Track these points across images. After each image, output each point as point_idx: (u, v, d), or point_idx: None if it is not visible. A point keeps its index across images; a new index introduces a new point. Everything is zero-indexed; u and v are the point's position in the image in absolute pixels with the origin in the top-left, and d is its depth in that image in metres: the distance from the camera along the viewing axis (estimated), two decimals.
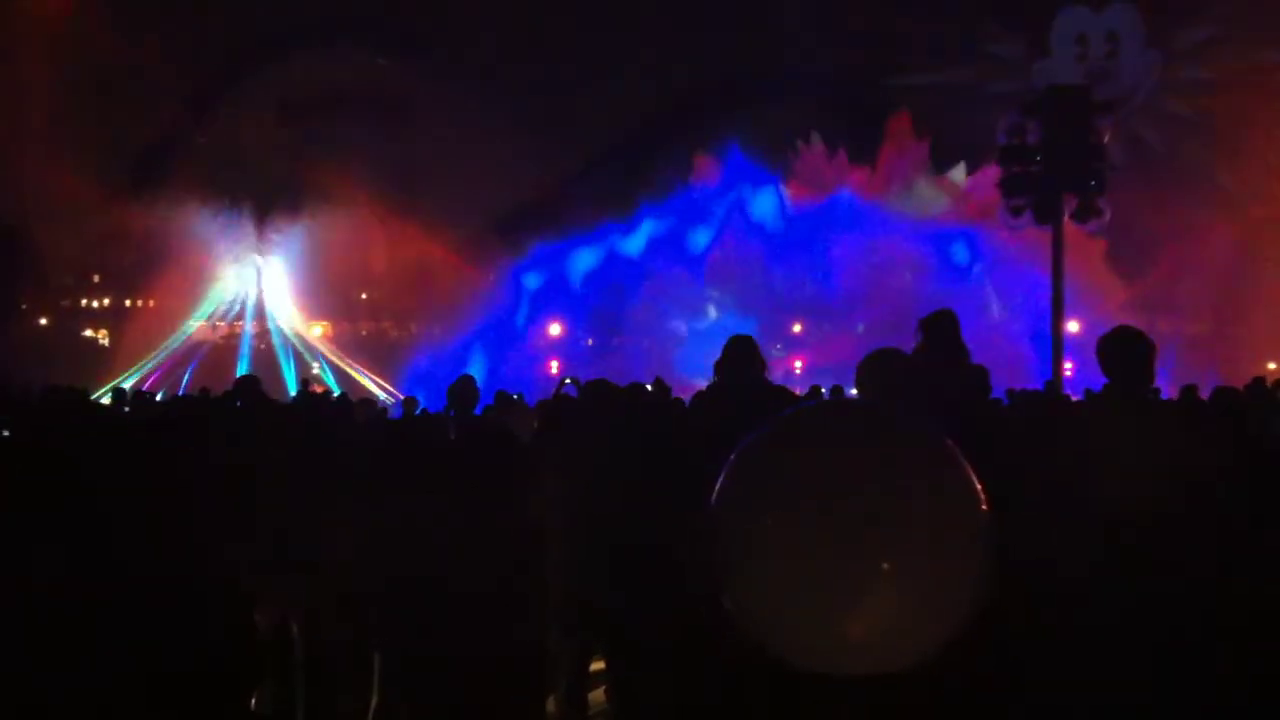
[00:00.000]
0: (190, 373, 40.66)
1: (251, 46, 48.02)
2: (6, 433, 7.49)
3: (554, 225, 41.01)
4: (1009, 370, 25.73)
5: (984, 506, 2.77)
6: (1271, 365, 35.28)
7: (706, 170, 41.84)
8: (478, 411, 9.32)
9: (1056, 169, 21.70)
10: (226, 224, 43.92)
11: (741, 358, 5.90)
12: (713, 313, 39.76)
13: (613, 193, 41.62)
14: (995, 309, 36.63)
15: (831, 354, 37.84)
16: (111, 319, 52.37)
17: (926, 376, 4.95)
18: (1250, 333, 35.72)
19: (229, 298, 45.00)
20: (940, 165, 41.11)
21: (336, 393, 25.13)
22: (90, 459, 4.37)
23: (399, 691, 5.25)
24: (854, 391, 4.96)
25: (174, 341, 43.19)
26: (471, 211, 43.07)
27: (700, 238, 41.15)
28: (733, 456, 2.88)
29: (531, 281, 41.48)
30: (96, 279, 54.53)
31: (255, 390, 9.21)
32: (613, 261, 41.09)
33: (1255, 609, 4.01)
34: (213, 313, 45.96)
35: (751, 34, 47.80)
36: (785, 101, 43.48)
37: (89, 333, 53.39)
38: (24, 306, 51.86)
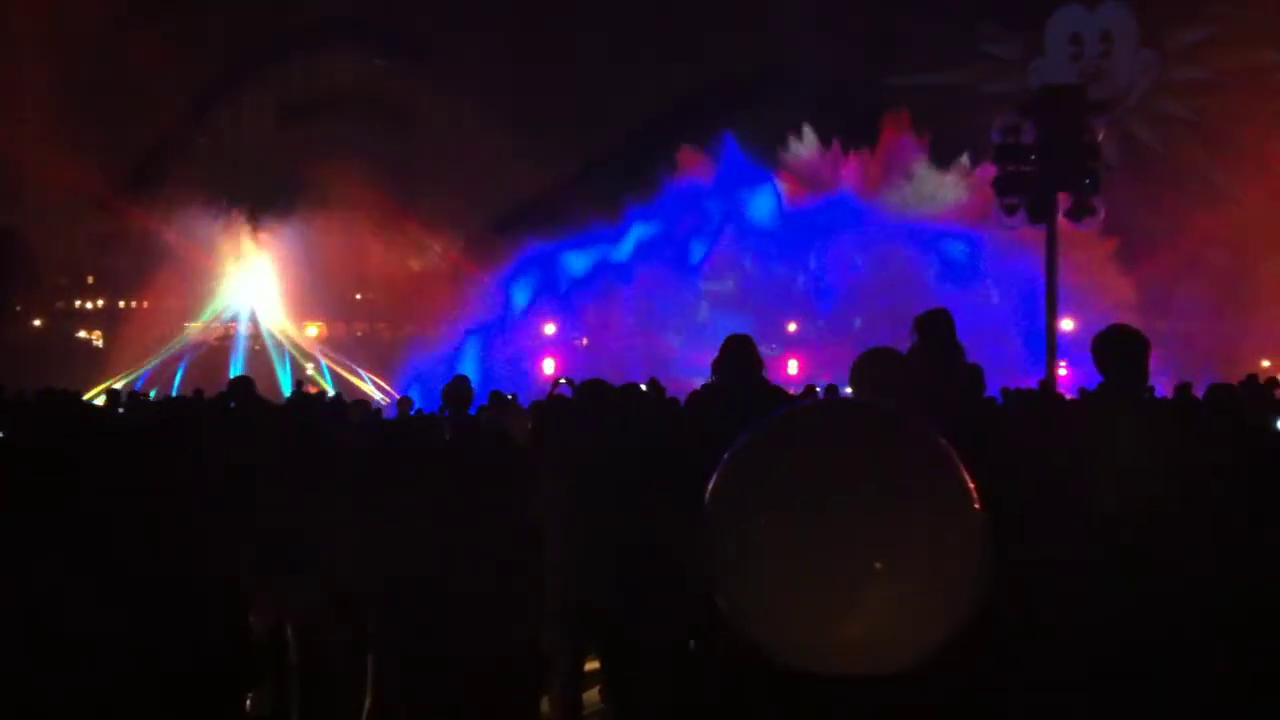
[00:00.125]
0: (181, 373, 40.62)
1: (247, 46, 47.99)
2: (1, 434, 7.49)
3: (548, 225, 40.99)
4: (1011, 369, 25.78)
5: (978, 506, 2.77)
6: (1266, 363, 35.34)
7: (692, 163, 41.69)
8: (472, 412, 9.32)
9: (1051, 168, 21.72)
10: (221, 225, 43.85)
11: (739, 357, 5.89)
12: (706, 312, 39.72)
13: (608, 192, 41.62)
14: (995, 300, 36.56)
15: (827, 353, 37.88)
16: (106, 320, 52.31)
17: (921, 376, 4.94)
18: (1246, 331, 35.78)
19: (223, 299, 44.91)
20: (938, 163, 41.06)
21: (331, 393, 25.17)
22: (87, 460, 4.35)
23: (395, 692, 5.25)
24: (849, 391, 4.96)
25: (174, 345, 43.14)
26: (467, 212, 43.08)
27: (694, 236, 41.11)
28: (726, 456, 2.87)
29: (526, 282, 41.44)
30: (91, 280, 54.47)
31: (249, 392, 9.20)
32: (606, 261, 41.05)
33: (1253, 607, 4.01)
34: (207, 314, 45.89)
35: (745, 34, 47.84)
36: (780, 102, 43.49)
37: (83, 334, 53.33)
38: (18, 308, 51.81)
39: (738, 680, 3.99)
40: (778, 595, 2.67)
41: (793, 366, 37.18)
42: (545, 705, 6.16)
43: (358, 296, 47.44)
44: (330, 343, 45.36)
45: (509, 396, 16.16)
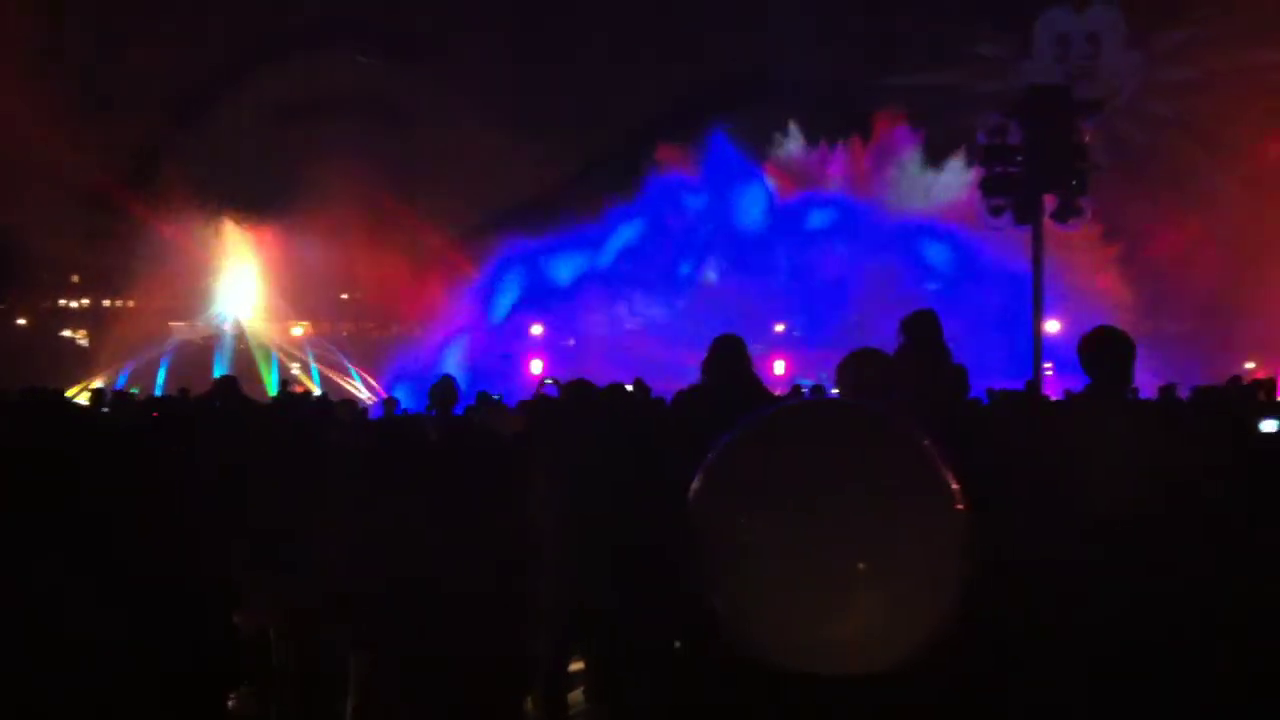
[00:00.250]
0: (164, 372, 40.50)
1: (234, 45, 47.89)
2: None
3: (536, 225, 40.99)
4: (1000, 370, 25.83)
5: (961, 506, 2.76)
6: (1250, 364, 35.48)
7: (672, 159, 41.62)
8: (458, 412, 9.30)
9: (1037, 169, 21.75)
10: (208, 224, 43.72)
11: (728, 357, 5.89)
12: (695, 311, 39.71)
13: (596, 192, 41.65)
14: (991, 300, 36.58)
15: (814, 354, 37.92)
16: (91, 319, 52.14)
17: (907, 376, 4.94)
18: (1231, 333, 35.92)
19: (209, 298, 44.78)
20: (930, 162, 41.10)
21: (317, 393, 25.09)
22: (77, 460, 4.33)
23: (382, 692, 5.22)
24: (835, 391, 4.96)
25: (154, 343, 42.99)
26: (454, 212, 43.04)
27: (681, 234, 41.11)
28: (709, 456, 2.87)
29: (513, 282, 41.42)
30: (75, 279, 54.29)
31: (234, 391, 9.16)
32: (593, 260, 41.07)
33: (1242, 606, 4.02)
34: (193, 313, 45.77)
35: (738, 35, 47.92)
36: (771, 102, 43.56)
37: (68, 333, 53.14)
38: (2, 307, 51.63)
39: (726, 681, 3.98)
40: (761, 595, 2.66)
41: (779, 367, 37.21)
42: (529, 705, 6.16)
43: (344, 296, 47.35)
44: (316, 342, 45.23)
45: (495, 397, 16.15)
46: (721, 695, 3.77)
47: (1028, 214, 22.17)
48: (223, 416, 8.49)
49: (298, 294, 44.12)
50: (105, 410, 13.70)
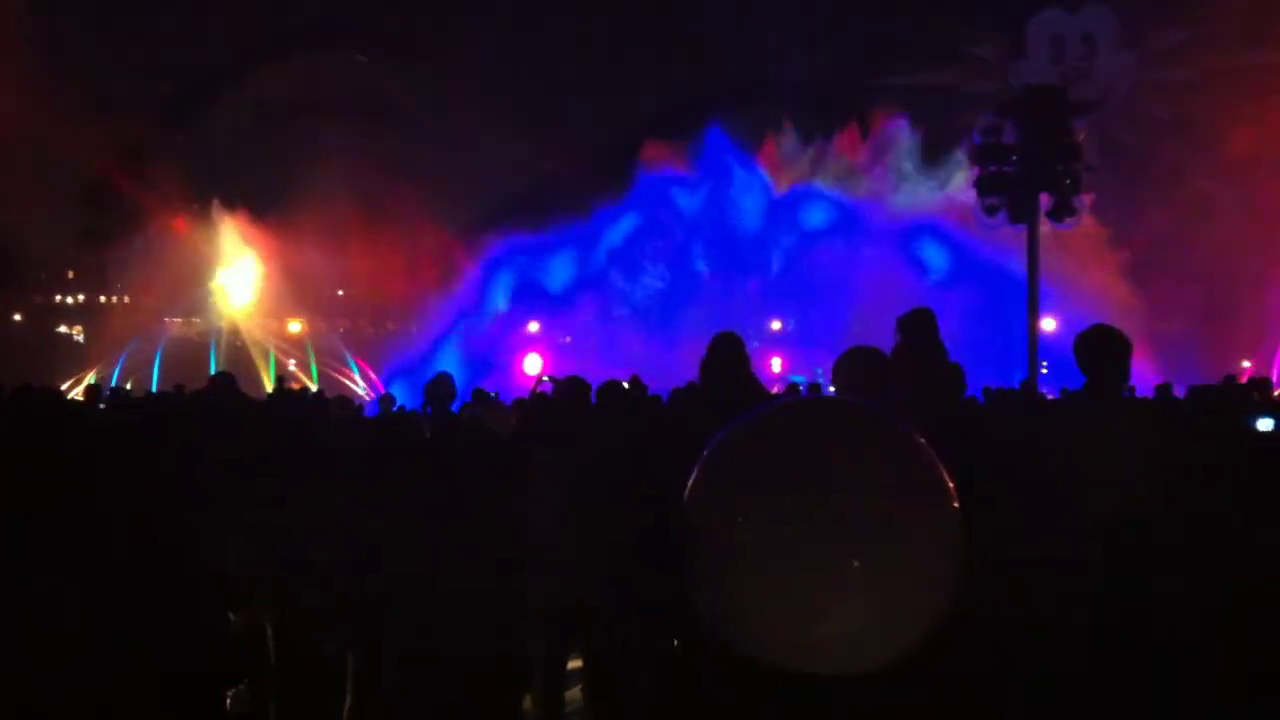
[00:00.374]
0: (158, 368, 40.45)
1: (233, 45, 47.81)
2: None
3: (532, 223, 40.97)
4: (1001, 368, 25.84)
5: (956, 505, 2.77)
6: (1246, 364, 35.51)
7: (658, 156, 41.46)
8: (454, 409, 9.30)
9: (1032, 169, 21.76)
10: (204, 221, 43.64)
11: (726, 355, 5.89)
12: (692, 308, 39.71)
13: (592, 189, 41.61)
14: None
15: (811, 351, 37.92)
16: (87, 316, 52.08)
17: (903, 375, 4.95)
18: (1227, 332, 35.96)
19: (205, 294, 44.67)
20: (924, 162, 41.08)
21: (314, 389, 25.06)
22: (75, 458, 4.34)
23: (378, 692, 5.23)
24: (831, 389, 4.97)
25: (143, 338, 42.92)
26: (451, 209, 43.02)
27: (674, 230, 41.08)
28: (704, 453, 2.87)
29: (509, 279, 41.38)
30: (71, 275, 54.22)
31: (230, 388, 9.14)
32: (590, 258, 41.03)
33: (1237, 605, 4.03)
34: (188, 309, 45.70)
35: (732, 35, 47.94)
36: (766, 101, 43.54)
37: (64, 329, 53.07)
38: None
39: (723, 679, 3.99)
40: (756, 593, 2.67)
41: (776, 364, 37.21)
42: (528, 703, 6.16)
43: (340, 293, 47.30)
44: (312, 339, 45.17)
45: (491, 394, 16.15)
46: (718, 694, 3.77)
47: (1022, 213, 22.18)
48: (219, 413, 8.47)
49: (294, 291, 44.04)
50: (101, 407, 13.69)
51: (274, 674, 5.95)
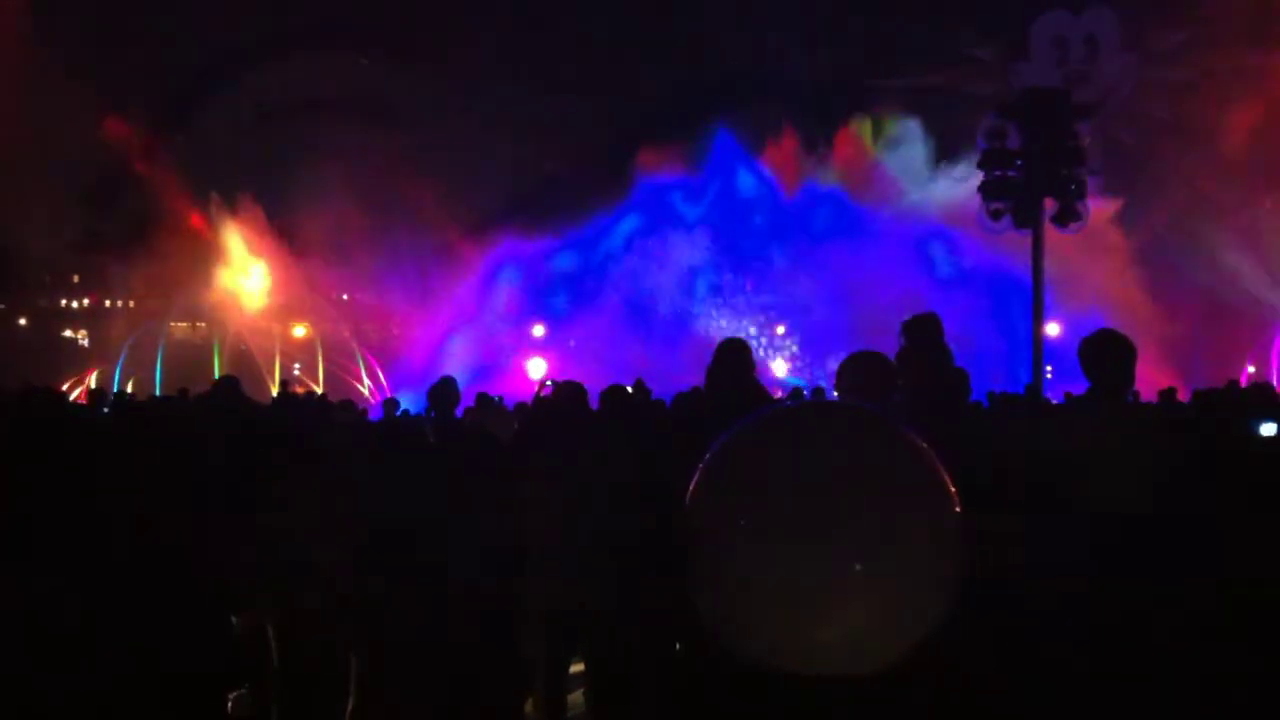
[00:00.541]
0: (159, 372, 40.49)
1: (236, 46, 47.85)
2: None
3: (536, 225, 40.98)
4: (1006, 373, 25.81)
5: (957, 508, 2.76)
6: (1251, 368, 35.47)
7: (654, 163, 41.37)
8: (458, 414, 9.31)
9: (1036, 173, 21.73)
10: (206, 224, 43.67)
11: (732, 361, 5.90)
12: (696, 312, 39.72)
13: (596, 192, 41.60)
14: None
15: (815, 355, 37.93)
16: (92, 319, 52.15)
17: (908, 379, 4.95)
18: (1231, 336, 35.94)
19: (210, 298, 44.66)
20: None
21: (318, 394, 25.09)
22: (79, 458, 4.34)
23: (380, 693, 5.23)
24: (835, 394, 4.96)
25: (134, 338, 42.96)
26: (456, 213, 43.03)
27: (679, 234, 41.05)
28: (706, 457, 2.87)
29: (514, 282, 41.39)
30: (76, 279, 54.30)
31: (234, 392, 9.15)
32: (594, 262, 41.03)
33: (1240, 608, 4.03)
34: (193, 313, 45.73)
35: (733, 35, 47.94)
36: (767, 102, 43.50)
37: (68, 333, 53.13)
38: (1, 307, 51.63)
39: (724, 682, 3.99)
40: (758, 596, 2.67)
41: (779, 369, 37.21)
42: (529, 706, 6.15)
43: (344, 297, 47.33)
44: (320, 337, 45.16)
45: (495, 398, 16.18)
46: (721, 697, 3.77)
47: (1027, 218, 22.15)
48: (223, 417, 8.48)
49: (299, 295, 44.07)
50: (105, 411, 13.70)
51: (276, 676, 5.95)
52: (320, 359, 43.89)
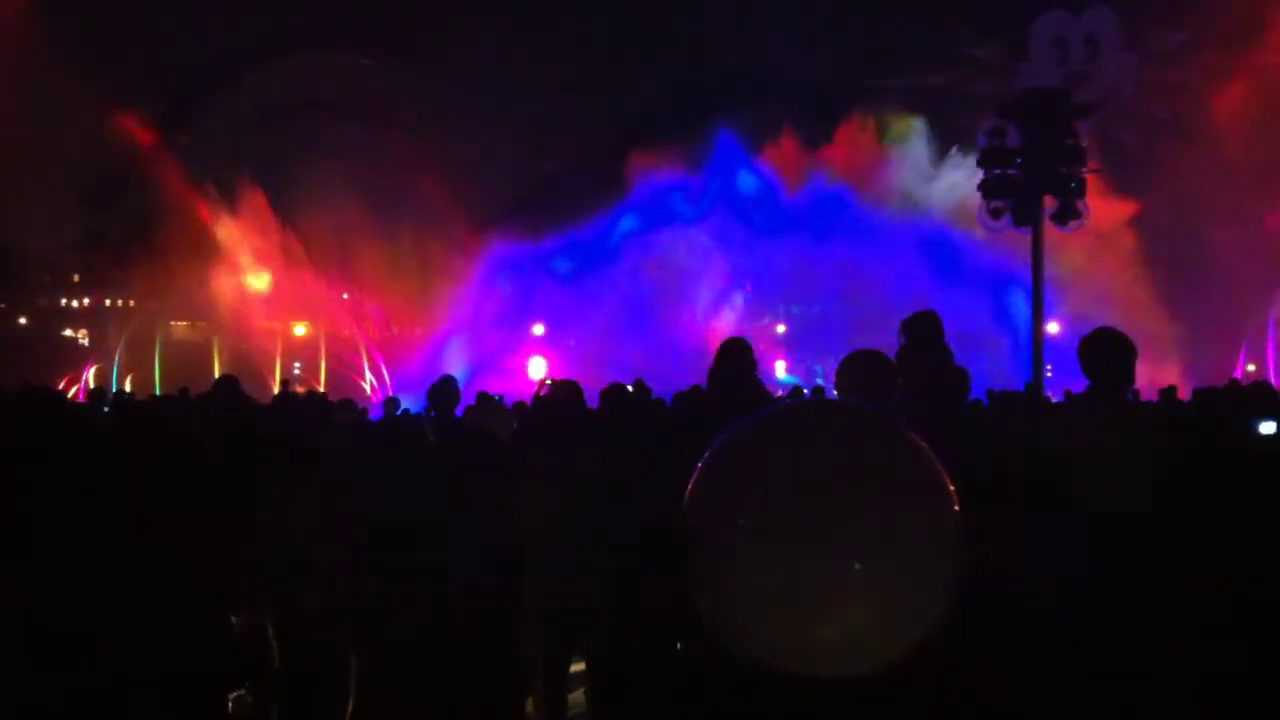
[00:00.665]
0: (158, 370, 40.50)
1: (237, 45, 47.86)
2: None
3: (536, 224, 40.96)
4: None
5: (956, 507, 2.76)
6: (1251, 367, 35.49)
7: (643, 167, 41.30)
8: (458, 413, 9.32)
9: (1036, 172, 21.75)
10: (209, 224, 43.61)
11: (734, 361, 5.90)
12: (696, 311, 39.71)
13: (596, 191, 41.57)
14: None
15: (815, 354, 37.92)
16: (92, 319, 52.15)
17: (907, 378, 4.95)
18: (1231, 335, 35.97)
19: (210, 297, 44.62)
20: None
21: (318, 393, 25.08)
22: (79, 457, 4.34)
23: (380, 693, 5.23)
24: (835, 392, 4.96)
25: (127, 335, 42.97)
26: (456, 211, 43.01)
27: (680, 234, 41.02)
28: (705, 456, 2.87)
29: (514, 281, 41.37)
30: (76, 278, 54.32)
31: (234, 391, 9.16)
32: (595, 261, 41.01)
33: (1239, 607, 4.03)
34: (193, 312, 45.71)
35: (732, 35, 47.92)
36: (766, 102, 43.48)
37: (69, 332, 53.14)
38: (2, 306, 51.65)
39: (724, 681, 3.99)
40: (757, 596, 2.67)
41: (780, 368, 37.20)
42: (530, 706, 6.15)
43: (345, 296, 47.34)
44: (317, 342, 45.15)
45: (496, 397, 16.18)
46: (721, 696, 3.77)
47: (1027, 216, 22.17)
48: (223, 416, 8.48)
49: (299, 294, 44.03)
50: (106, 410, 13.71)
51: (276, 676, 5.95)
52: (323, 357, 43.87)
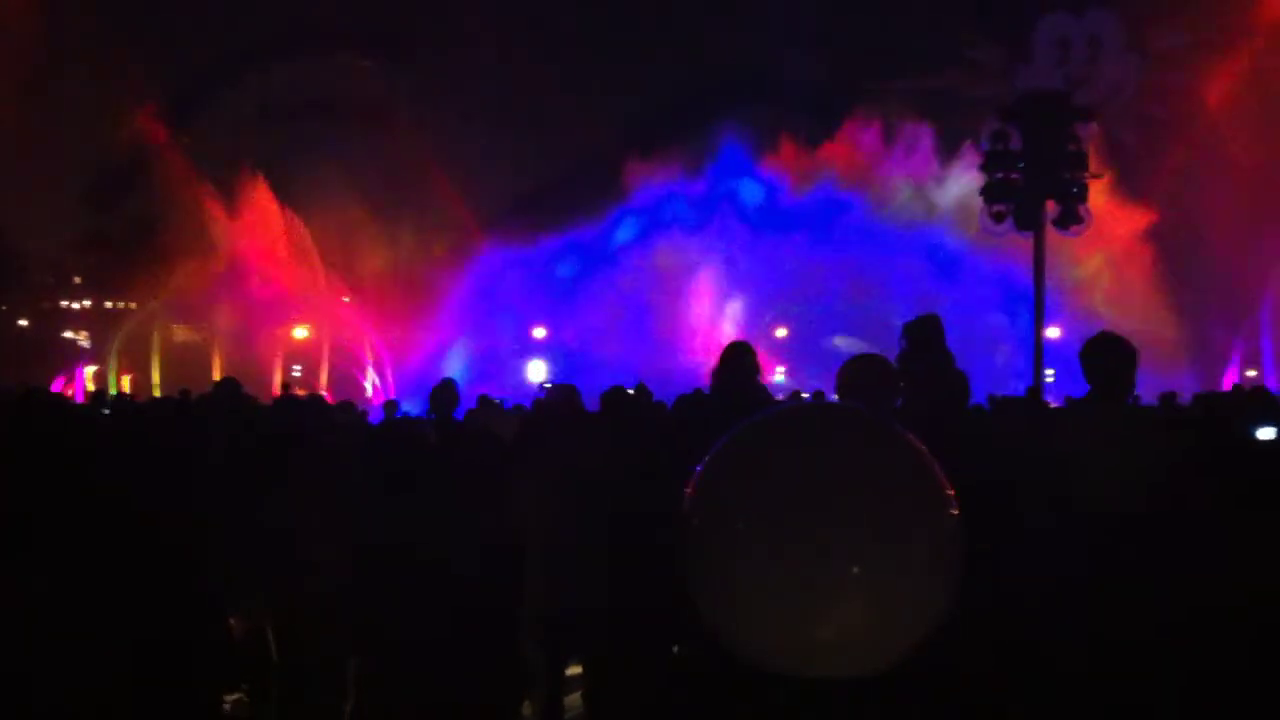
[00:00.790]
0: (157, 372, 40.51)
1: (237, 47, 47.92)
2: None
3: (538, 227, 40.99)
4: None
5: (955, 511, 2.77)
6: (1252, 372, 35.47)
7: (636, 175, 41.29)
8: (459, 415, 9.32)
9: (1038, 176, 21.74)
10: (209, 226, 43.59)
11: (737, 364, 5.91)
12: (697, 314, 39.72)
13: (598, 194, 41.61)
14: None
15: (815, 359, 37.87)
16: (93, 320, 52.16)
17: (907, 381, 4.95)
18: (1232, 340, 35.98)
19: (211, 299, 44.59)
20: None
21: (319, 396, 25.06)
22: (79, 458, 4.35)
23: (379, 694, 5.23)
24: (835, 396, 4.97)
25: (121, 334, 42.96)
26: (457, 214, 43.05)
27: (681, 237, 41.02)
28: (704, 459, 2.87)
29: (515, 284, 41.39)
30: (77, 280, 54.35)
31: (235, 393, 9.17)
32: (596, 263, 41.02)
33: (1239, 608, 4.03)
34: (194, 314, 45.67)
35: (732, 36, 47.97)
36: (764, 105, 43.51)
37: (69, 334, 53.15)
38: (3, 308, 51.69)
39: (723, 685, 3.99)
40: (755, 599, 2.67)
41: (779, 373, 37.18)
42: (527, 708, 6.15)
43: (345, 300, 47.36)
44: (319, 344, 45.12)
45: (496, 400, 16.19)
46: (719, 699, 3.77)
47: (1029, 221, 22.16)
48: (224, 418, 8.49)
49: (302, 295, 44.03)
50: (106, 412, 13.72)
51: (275, 676, 5.96)
52: (325, 360, 43.85)
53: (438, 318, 41.23)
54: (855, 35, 45.12)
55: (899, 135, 40.79)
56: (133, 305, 46.94)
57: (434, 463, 5.58)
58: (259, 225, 42.90)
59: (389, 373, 42.61)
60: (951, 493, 2.74)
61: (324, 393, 31.85)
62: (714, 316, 39.43)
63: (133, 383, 38.92)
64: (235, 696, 6.04)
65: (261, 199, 42.69)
